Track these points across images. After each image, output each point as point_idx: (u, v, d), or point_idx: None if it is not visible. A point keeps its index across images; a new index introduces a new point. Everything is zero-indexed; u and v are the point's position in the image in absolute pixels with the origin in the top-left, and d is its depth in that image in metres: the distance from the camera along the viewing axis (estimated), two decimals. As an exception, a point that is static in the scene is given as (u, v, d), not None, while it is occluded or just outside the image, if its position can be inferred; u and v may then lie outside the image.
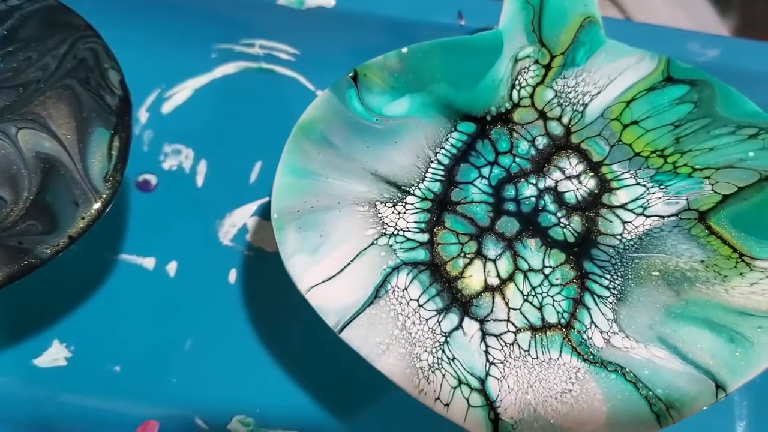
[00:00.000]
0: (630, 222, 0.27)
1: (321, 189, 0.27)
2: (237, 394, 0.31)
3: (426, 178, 0.27)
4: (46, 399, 0.32)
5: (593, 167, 0.27)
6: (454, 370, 0.24)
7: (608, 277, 0.26)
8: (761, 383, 0.28)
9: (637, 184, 0.27)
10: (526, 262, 0.26)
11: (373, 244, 0.26)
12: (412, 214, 0.27)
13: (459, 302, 0.25)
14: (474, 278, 0.26)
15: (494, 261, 0.26)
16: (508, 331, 0.25)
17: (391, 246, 0.26)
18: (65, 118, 0.27)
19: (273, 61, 0.37)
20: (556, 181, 0.27)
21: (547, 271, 0.26)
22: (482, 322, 0.25)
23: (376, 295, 0.25)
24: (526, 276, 0.26)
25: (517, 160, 0.28)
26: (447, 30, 0.35)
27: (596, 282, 0.26)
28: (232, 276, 0.33)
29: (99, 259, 0.33)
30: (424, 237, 0.26)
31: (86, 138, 0.27)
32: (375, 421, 0.31)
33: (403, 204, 0.27)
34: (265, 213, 0.35)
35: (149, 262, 0.33)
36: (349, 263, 0.26)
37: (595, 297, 0.26)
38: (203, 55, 0.37)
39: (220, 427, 0.31)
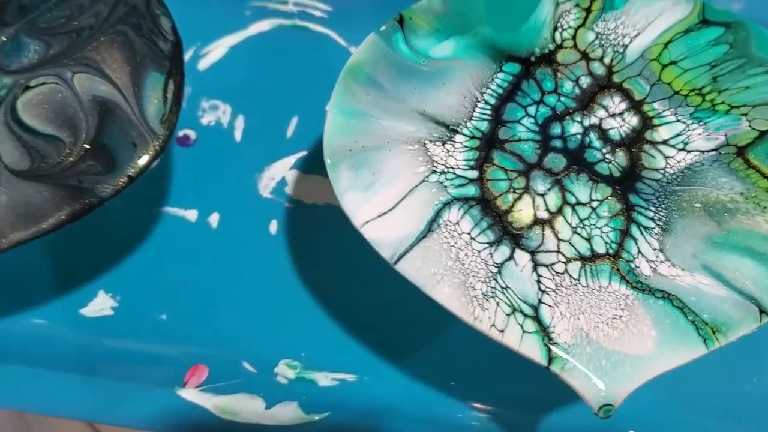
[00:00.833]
0: (672, 157, 0.28)
1: (371, 129, 0.27)
2: (283, 339, 0.32)
3: (473, 118, 0.28)
4: (94, 347, 0.32)
5: (635, 105, 0.28)
6: (508, 299, 0.25)
7: (653, 209, 0.27)
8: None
9: (678, 121, 0.28)
10: (574, 196, 0.27)
11: (424, 181, 0.27)
12: (460, 152, 0.27)
13: (510, 235, 0.26)
14: (524, 212, 0.27)
15: (543, 195, 0.27)
16: (559, 261, 0.26)
17: (441, 183, 0.27)
18: (119, 62, 0.28)
19: (306, 18, 0.37)
20: (601, 119, 0.28)
21: (594, 204, 0.27)
22: (533, 253, 0.26)
23: (429, 229, 0.26)
24: (574, 209, 0.27)
25: (562, 99, 0.28)
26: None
27: (642, 214, 0.27)
28: (273, 227, 0.34)
29: (143, 211, 0.34)
30: (473, 174, 0.27)
31: (141, 81, 0.28)
32: (418, 362, 0.32)
33: (452, 142, 0.28)
34: (302, 166, 0.35)
35: (192, 214, 0.34)
36: (401, 200, 0.26)
37: (641, 228, 0.27)
38: (238, 13, 0.37)
39: (268, 370, 0.31)
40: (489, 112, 0.28)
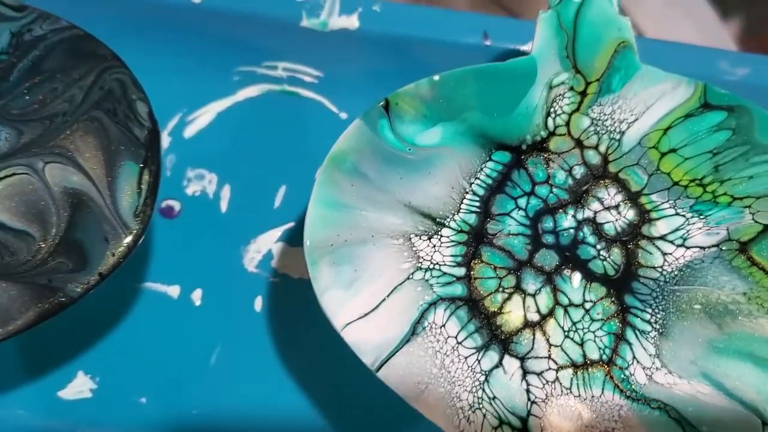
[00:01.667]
0: (670, 253, 0.26)
1: (354, 222, 0.26)
2: (266, 427, 0.31)
3: (461, 210, 0.27)
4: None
5: (632, 197, 0.27)
6: (495, 410, 0.24)
7: (649, 311, 0.25)
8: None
9: (677, 214, 0.27)
10: (566, 296, 0.26)
11: (408, 278, 0.26)
12: (447, 247, 0.26)
13: (498, 339, 0.25)
14: (513, 314, 0.25)
15: (534, 296, 0.26)
16: (550, 368, 0.25)
17: (427, 280, 0.26)
18: (93, 151, 0.27)
19: (296, 84, 0.36)
20: (595, 212, 0.27)
21: (587, 305, 0.26)
22: (523, 359, 0.25)
23: (413, 332, 0.25)
24: (566, 311, 0.25)
25: (554, 190, 0.27)
26: (472, 50, 0.35)
27: (638, 316, 0.25)
28: (258, 303, 0.33)
29: (123, 288, 0.33)
30: (460, 271, 0.26)
31: (115, 172, 0.27)
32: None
33: (439, 237, 0.26)
34: (290, 238, 0.34)
35: (174, 290, 0.33)
36: (384, 299, 0.25)
37: (637, 332, 0.25)
38: (225, 79, 0.36)
39: (250, 461, 0.30)
40: (477, 204, 0.27)
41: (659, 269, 0.26)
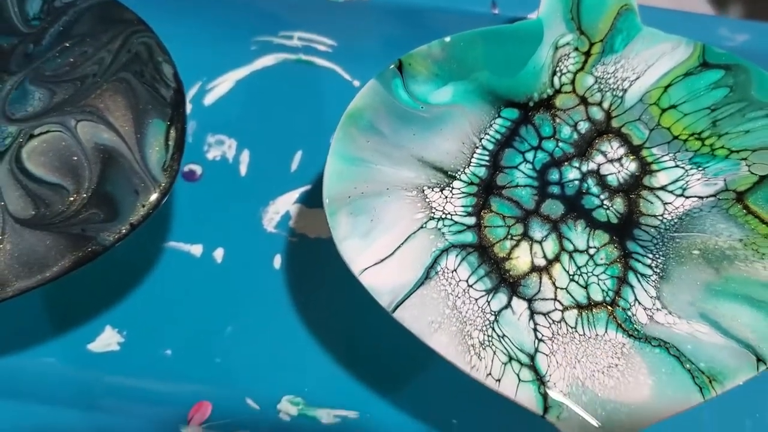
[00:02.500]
0: (670, 203, 0.28)
1: (370, 175, 0.28)
2: (286, 375, 0.32)
3: (471, 164, 0.28)
4: (101, 383, 0.33)
5: (634, 150, 0.28)
6: (504, 347, 0.25)
7: (650, 256, 0.27)
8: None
9: (677, 166, 0.28)
10: (572, 243, 0.27)
11: (422, 227, 0.27)
12: (459, 198, 0.28)
13: (507, 282, 0.26)
14: (521, 259, 0.27)
15: (540, 242, 0.27)
16: (555, 309, 0.26)
17: (439, 229, 0.27)
18: (122, 110, 0.28)
19: (311, 53, 0.38)
20: (599, 165, 0.28)
21: (591, 251, 0.27)
22: (530, 301, 0.26)
23: (426, 276, 0.26)
24: (571, 256, 0.27)
25: (560, 144, 0.28)
26: (481, 18, 0.36)
27: (639, 261, 0.27)
28: (277, 261, 0.34)
29: (149, 247, 0.34)
30: (471, 220, 0.27)
31: (143, 129, 0.28)
32: (420, 397, 0.32)
33: (450, 189, 0.28)
34: (306, 200, 0.36)
35: (197, 249, 0.35)
36: (399, 246, 0.27)
37: (639, 275, 0.27)
38: (243, 48, 0.38)
39: (271, 407, 0.32)
40: (487, 158, 0.28)
41: (660, 217, 0.27)
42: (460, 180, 0.28)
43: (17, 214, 0.27)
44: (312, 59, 0.38)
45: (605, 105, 0.29)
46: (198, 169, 0.36)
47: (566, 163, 0.28)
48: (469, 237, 0.27)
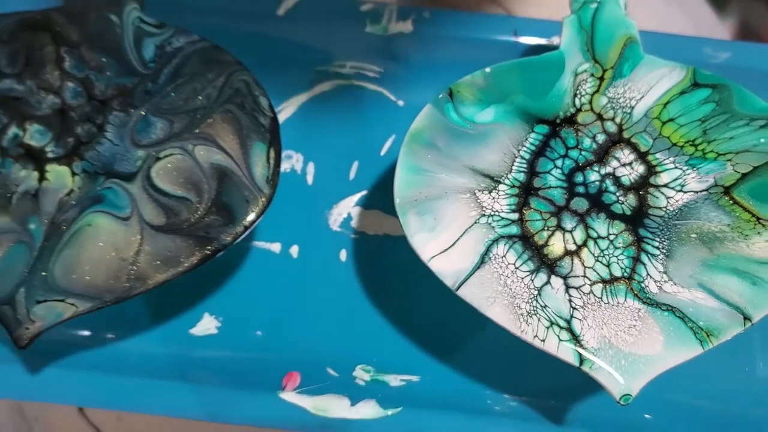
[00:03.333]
0: (672, 197, 0.35)
1: (431, 182, 0.34)
2: (357, 348, 0.38)
3: (512, 170, 0.35)
4: (202, 359, 0.39)
5: (641, 156, 0.35)
6: (546, 315, 0.32)
7: (658, 240, 0.34)
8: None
9: (676, 167, 0.35)
10: (595, 231, 0.34)
11: (475, 223, 0.34)
12: (504, 198, 0.35)
13: (546, 264, 0.33)
14: (556, 246, 0.34)
15: (571, 232, 0.34)
16: (585, 284, 0.33)
17: (489, 224, 0.34)
18: (230, 135, 0.35)
19: (362, 78, 0.44)
20: (614, 168, 0.35)
21: (611, 237, 0.34)
22: (565, 278, 0.33)
23: (482, 262, 0.33)
24: (596, 242, 0.34)
25: (582, 153, 0.36)
26: (504, 45, 0.43)
27: (649, 244, 0.34)
28: (343, 255, 0.41)
29: (238, 246, 0.40)
30: (514, 216, 0.34)
31: (248, 150, 0.34)
32: (469, 362, 0.39)
33: (497, 191, 0.35)
34: (364, 203, 0.42)
35: (276, 247, 0.41)
36: (458, 238, 0.34)
37: (649, 255, 0.34)
38: (305, 76, 0.44)
39: (348, 374, 0.38)
40: (525, 166, 0.35)
41: (664, 209, 0.35)
42: (504, 184, 0.35)
43: (152, 222, 0.33)
44: (362, 84, 0.44)
45: (617, 120, 0.36)
46: (273, 180, 0.42)
47: (588, 168, 0.35)
48: (514, 229, 0.34)
